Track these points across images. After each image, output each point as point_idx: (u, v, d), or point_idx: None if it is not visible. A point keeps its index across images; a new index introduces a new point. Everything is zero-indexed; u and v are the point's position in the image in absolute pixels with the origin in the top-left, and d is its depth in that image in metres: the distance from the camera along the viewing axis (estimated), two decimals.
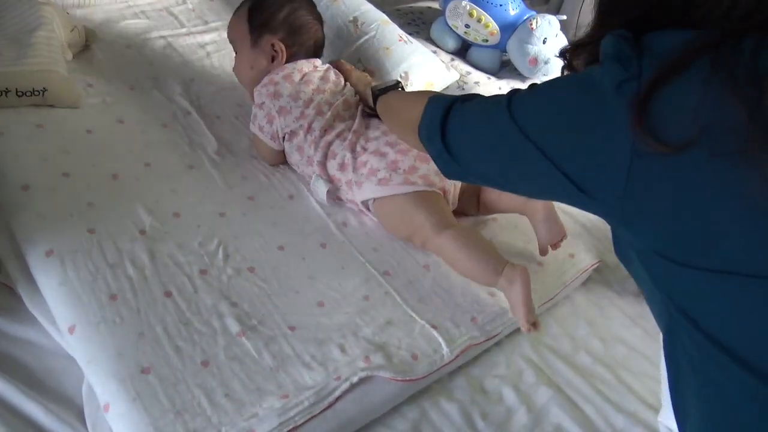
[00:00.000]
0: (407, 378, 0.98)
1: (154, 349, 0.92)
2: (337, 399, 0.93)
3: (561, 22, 1.75)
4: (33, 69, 1.23)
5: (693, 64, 0.54)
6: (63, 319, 0.95)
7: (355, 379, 0.94)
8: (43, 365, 0.95)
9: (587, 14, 0.71)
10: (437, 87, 1.62)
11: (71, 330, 0.93)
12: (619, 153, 0.57)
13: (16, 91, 1.22)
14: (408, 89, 1.52)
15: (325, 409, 0.91)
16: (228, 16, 1.72)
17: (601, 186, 0.61)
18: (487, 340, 1.09)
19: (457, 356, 1.04)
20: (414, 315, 1.08)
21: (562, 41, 1.74)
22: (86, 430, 0.89)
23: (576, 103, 0.62)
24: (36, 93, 1.24)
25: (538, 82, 0.72)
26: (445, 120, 0.81)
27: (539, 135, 0.66)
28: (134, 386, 0.87)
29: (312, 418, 0.90)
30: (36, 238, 1.02)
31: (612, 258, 1.29)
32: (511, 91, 0.74)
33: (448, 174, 0.84)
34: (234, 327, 0.98)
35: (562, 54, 0.74)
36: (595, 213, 0.66)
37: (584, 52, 0.71)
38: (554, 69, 1.73)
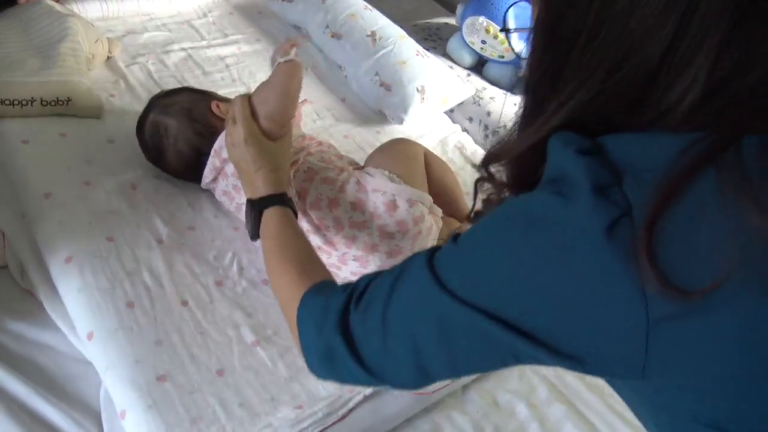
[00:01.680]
0: (420, 391, 0.98)
1: (170, 357, 0.93)
2: (351, 410, 0.93)
3: None
4: (58, 79, 1.26)
5: (696, 180, 0.41)
6: (82, 325, 0.97)
7: (368, 391, 0.95)
8: (63, 370, 0.97)
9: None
10: (453, 101, 1.64)
11: (89, 336, 0.94)
12: (631, 317, 0.42)
13: (41, 101, 1.24)
14: (418, 103, 1.53)
15: (338, 421, 0.92)
16: (247, 30, 1.76)
17: (612, 360, 0.45)
18: None
19: None
20: None
21: None
22: None
23: (552, 262, 0.45)
24: (60, 103, 1.26)
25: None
26: (346, 329, 0.58)
27: (512, 314, 0.47)
28: (150, 394, 0.88)
29: (325, 429, 0.91)
30: (56, 245, 1.04)
31: None
32: (424, 263, 0.53)
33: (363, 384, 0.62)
34: (249, 337, 0.99)
35: (484, 165, 0.57)
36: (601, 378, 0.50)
37: (512, 160, 0.54)
38: None
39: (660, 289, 0.41)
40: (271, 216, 0.85)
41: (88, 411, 0.92)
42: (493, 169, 0.57)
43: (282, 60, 1.01)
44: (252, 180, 0.92)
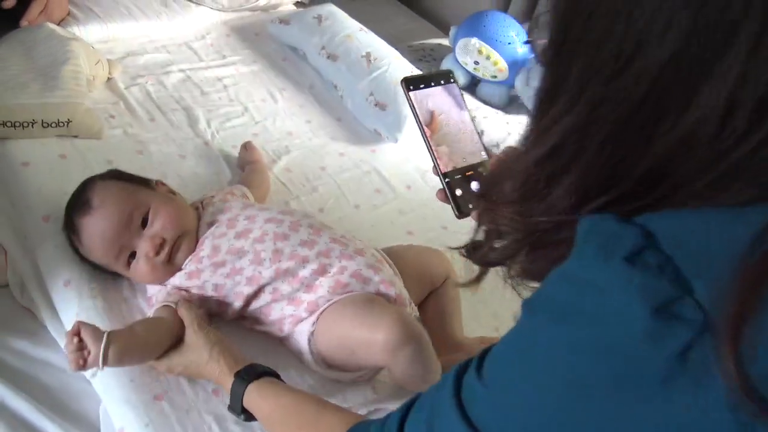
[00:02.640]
0: None
1: (167, 376, 0.95)
2: None
3: None
4: (58, 101, 1.29)
5: None
6: None
7: (364, 411, 0.97)
8: (64, 387, 0.99)
9: None
10: None
11: None
12: None
13: (42, 123, 1.27)
14: (413, 122, 1.55)
15: None
16: (244, 51, 1.79)
17: None
18: None
19: None
20: None
21: None
22: None
23: (611, 413, 0.37)
24: (61, 124, 1.29)
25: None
26: None
27: None
28: (147, 413, 0.90)
29: None
30: (55, 268, 1.06)
31: None
32: (452, 400, 0.48)
33: None
34: None
35: (486, 190, 0.52)
36: None
37: (516, 186, 0.48)
38: None
39: (759, 414, 0.33)
40: (250, 405, 0.85)
41: (89, 427, 0.94)
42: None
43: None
44: (210, 378, 0.93)
